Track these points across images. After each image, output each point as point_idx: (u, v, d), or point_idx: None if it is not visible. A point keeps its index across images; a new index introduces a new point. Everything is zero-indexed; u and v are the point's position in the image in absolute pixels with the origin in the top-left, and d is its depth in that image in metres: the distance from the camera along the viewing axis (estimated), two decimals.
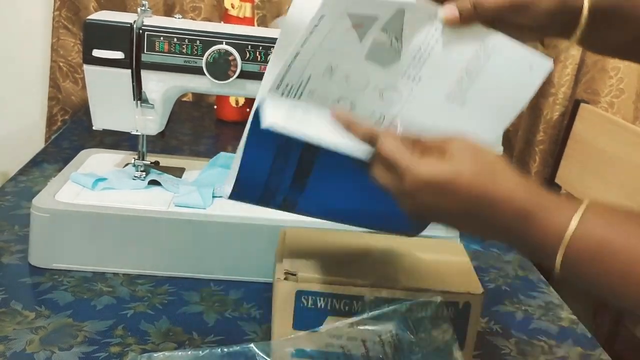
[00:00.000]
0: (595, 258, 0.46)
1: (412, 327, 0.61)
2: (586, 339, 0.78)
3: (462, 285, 0.64)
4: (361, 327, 0.62)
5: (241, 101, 1.44)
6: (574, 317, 0.82)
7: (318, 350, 0.63)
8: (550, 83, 1.71)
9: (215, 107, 1.50)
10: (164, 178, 0.87)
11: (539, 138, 1.75)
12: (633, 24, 0.59)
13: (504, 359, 0.72)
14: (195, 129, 1.42)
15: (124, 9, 1.56)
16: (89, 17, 0.78)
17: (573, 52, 1.67)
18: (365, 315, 0.61)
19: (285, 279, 0.63)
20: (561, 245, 0.46)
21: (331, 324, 0.63)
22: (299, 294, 0.63)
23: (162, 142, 1.28)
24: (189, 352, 0.58)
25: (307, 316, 0.64)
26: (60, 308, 0.72)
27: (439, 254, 0.71)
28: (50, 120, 1.63)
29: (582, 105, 1.61)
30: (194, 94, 1.66)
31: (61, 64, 1.58)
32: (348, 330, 0.62)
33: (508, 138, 1.75)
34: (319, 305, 0.64)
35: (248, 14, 1.38)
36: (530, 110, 1.76)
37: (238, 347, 0.58)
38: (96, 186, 0.83)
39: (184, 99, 1.65)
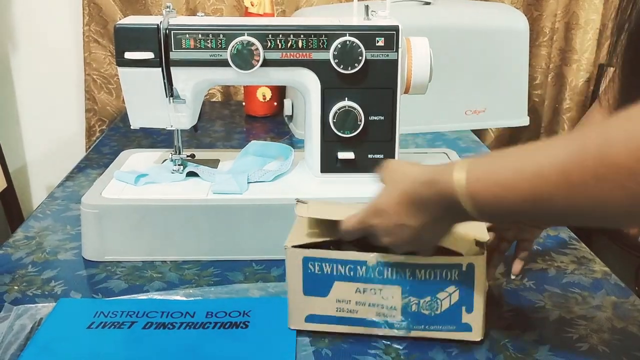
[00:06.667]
0: (492, 185, 0.50)
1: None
2: (620, 288, 0.80)
3: (464, 247, 0.64)
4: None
5: (268, 95, 1.49)
6: (607, 269, 0.84)
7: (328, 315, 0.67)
8: (573, 50, 1.71)
9: (243, 103, 1.55)
10: (200, 169, 0.92)
11: (566, 106, 1.75)
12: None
13: (539, 311, 0.74)
14: (226, 125, 1.47)
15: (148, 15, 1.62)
16: (119, 22, 0.83)
17: (593, 16, 1.67)
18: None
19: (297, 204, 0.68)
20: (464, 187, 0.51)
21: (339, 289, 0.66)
22: (306, 260, 0.66)
23: (196, 140, 1.34)
24: None
25: (315, 282, 0.66)
26: (115, 294, 0.77)
27: None
28: (89, 131, 1.70)
29: (608, 69, 1.60)
30: (222, 94, 1.72)
31: (95, 77, 1.65)
32: (355, 295, 0.66)
33: (535, 109, 1.75)
34: (325, 271, 0.66)
35: (268, 10, 1.42)
36: (555, 78, 1.76)
37: None
38: (138, 181, 0.89)
39: (214, 99, 1.71)
